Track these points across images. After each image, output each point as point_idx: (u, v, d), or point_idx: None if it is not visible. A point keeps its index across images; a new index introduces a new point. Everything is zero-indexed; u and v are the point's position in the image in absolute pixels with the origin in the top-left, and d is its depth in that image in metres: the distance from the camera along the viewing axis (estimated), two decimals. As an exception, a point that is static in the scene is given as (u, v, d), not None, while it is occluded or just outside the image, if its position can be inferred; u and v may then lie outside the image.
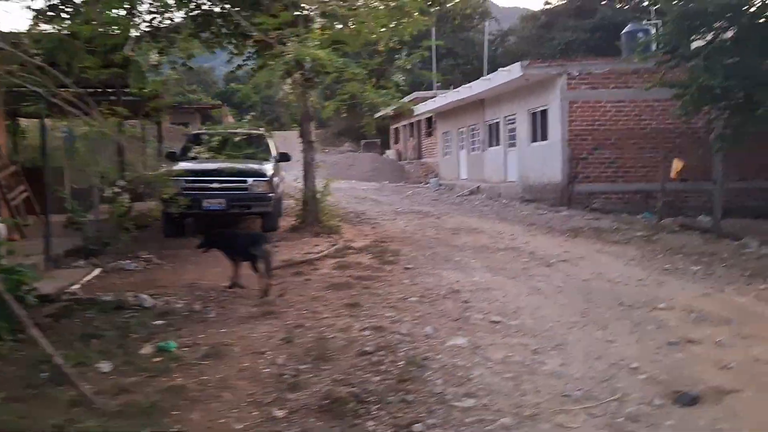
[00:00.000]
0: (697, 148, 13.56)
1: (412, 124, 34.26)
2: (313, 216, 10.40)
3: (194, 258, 8.37)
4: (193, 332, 5.02)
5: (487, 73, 23.73)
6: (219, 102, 29.68)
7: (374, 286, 6.59)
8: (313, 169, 10.70)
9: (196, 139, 11.68)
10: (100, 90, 11.25)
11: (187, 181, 9.66)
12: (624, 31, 19.73)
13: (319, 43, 7.67)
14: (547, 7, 45.76)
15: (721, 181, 11.88)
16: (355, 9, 8.57)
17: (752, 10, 10.47)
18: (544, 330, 5.07)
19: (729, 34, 10.88)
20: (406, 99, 31.08)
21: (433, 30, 26.38)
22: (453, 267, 7.70)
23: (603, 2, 42.00)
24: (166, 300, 5.97)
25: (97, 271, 7.36)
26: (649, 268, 7.73)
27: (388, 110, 8.80)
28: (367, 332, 4.90)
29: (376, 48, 9.82)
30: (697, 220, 12.69)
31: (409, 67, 8.53)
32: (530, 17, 48.47)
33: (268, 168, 10.44)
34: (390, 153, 36.94)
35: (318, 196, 10.75)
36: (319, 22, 8.92)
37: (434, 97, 27.24)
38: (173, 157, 11.09)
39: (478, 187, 21.02)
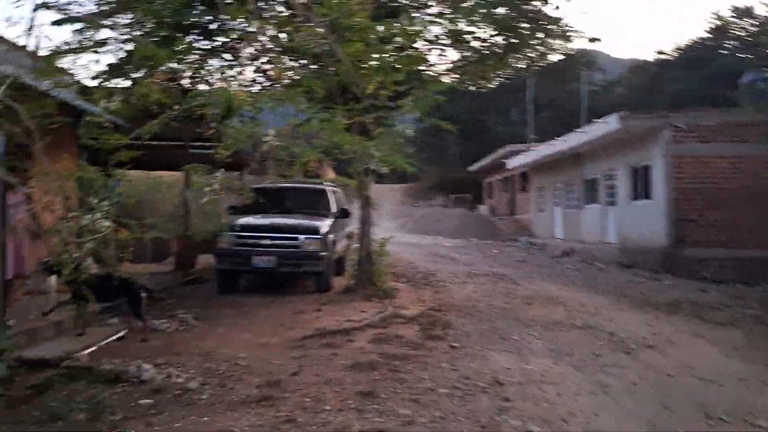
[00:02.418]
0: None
1: (506, 179, 33.05)
2: (366, 277, 9.64)
3: (230, 320, 7.89)
4: (171, 419, 4.34)
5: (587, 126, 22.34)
6: (319, 155, 30.17)
7: (404, 368, 5.65)
8: (369, 227, 9.99)
9: (260, 193, 11.40)
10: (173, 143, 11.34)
11: (238, 237, 9.28)
12: (741, 79, 17.85)
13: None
14: (661, 57, 43.47)
15: None
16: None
17: None
18: (594, 451, 3.92)
19: None
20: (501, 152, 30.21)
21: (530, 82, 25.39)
22: (508, 348, 6.59)
23: (721, 51, 39.23)
24: (169, 372, 5.36)
25: (124, 331, 6.96)
26: (756, 361, 6.23)
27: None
28: (365, 437, 3.99)
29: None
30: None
31: (417, 115, 7.50)
32: (640, 67, 46.35)
33: (323, 225, 9.88)
34: (483, 208, 35.74)
35: (373, 255, 9.96)
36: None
37: (527, 150, 26.08)
38: (234, 211, 10.83)
39: (571, 248, 19.42)
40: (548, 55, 13.10)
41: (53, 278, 6.80)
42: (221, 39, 9.92)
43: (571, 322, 8.11)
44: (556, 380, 5.43)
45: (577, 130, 20.04)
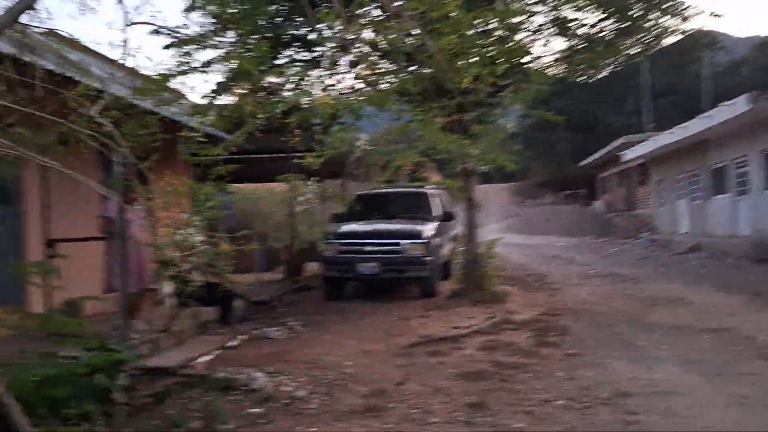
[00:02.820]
0: None
1: (622, 172, 31.23)
2: (473, 281, 9.35)
3: (337, 327, 7.93)
4: (280, 428, 4.36)
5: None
6: (422, 158, 30.17)
7: (516, 378, 5.36)
8: (474, 229, 9.70)
9: (363, 200, 11.47)
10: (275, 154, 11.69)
11: (341, 244, 9.35)
12: None
13: None
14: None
15: None
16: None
17: None
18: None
19: None
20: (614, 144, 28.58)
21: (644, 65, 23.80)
22: (631, 355, 6.08)
23: None
24: (279, 381, 5.42)
25: (237, 340, 7.17)
26: None
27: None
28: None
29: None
30: None
31: (521, 110, 6.99)
32: (765, 44, 42.31)
33: (426, 229, 9.72)
34: (597, 205, 33.98)
35: (480, 258, 9.64)
36: None
37: (645, 141, 24.47)
38: (338, 218, 10.95)
39: (698, 243, 17.93)
40: (664, 38, 12.16)
41: (168, 290, 7.16)
42: (320, 49, 10.07)
43: (700, 326, 7.40)
44: (685, 391, 4.91)
45: (701, 115, 18.51)
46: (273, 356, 6.36)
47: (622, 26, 10.13)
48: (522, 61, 9.83)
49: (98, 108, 4.83)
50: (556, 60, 12.98)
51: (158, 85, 7.51)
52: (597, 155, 32.95)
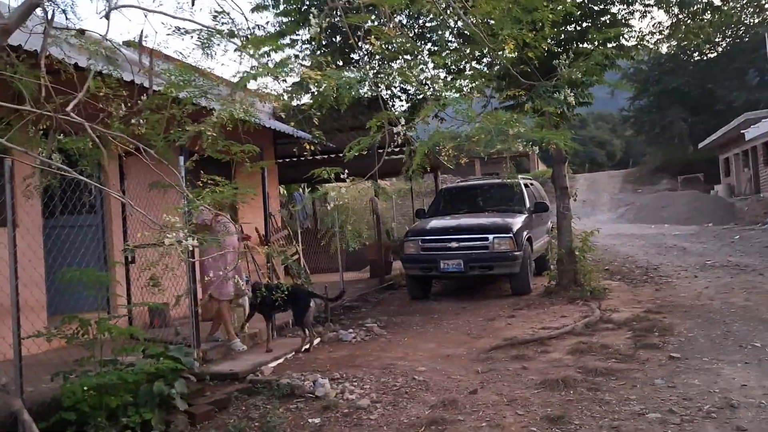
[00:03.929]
0: None
1: (746, 152, 28.39)
2: (569, 277, 8.61)
3: (416, 328, 7.58)
4: (334, 442, 4.07)
5: None
6: (526, 150, 29.15)
7: (607, 387, 4.72)
8: (568, 221, 8.93)
9: (448, 194, 11.00)
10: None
11: (423, 241, 8.96)
12: None
13: None
14: None
15: None
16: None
17: None
18: None
19: None
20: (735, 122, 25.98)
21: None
22: (745, 359, 5.22)
23: None
24: (343, 388, 5.14)
25: (310, 343, 6.96)
26: None
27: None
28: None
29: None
30: None
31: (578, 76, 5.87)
32: None
33: (516, 222, 9.10)
34: (719, 189, 31.12)
35: (577, 252, 8.87)
36: None
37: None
38: (421, 215, 10.56)
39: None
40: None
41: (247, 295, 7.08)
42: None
43: (837, 323, 6.30)
44: (816, 404, 4.07)
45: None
46: (345, 360, 6.12)
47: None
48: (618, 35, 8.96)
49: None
50: (659, 32, 11.82)
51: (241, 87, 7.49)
52: (717, 135, 30.25)
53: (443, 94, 7.92)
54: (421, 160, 4.82)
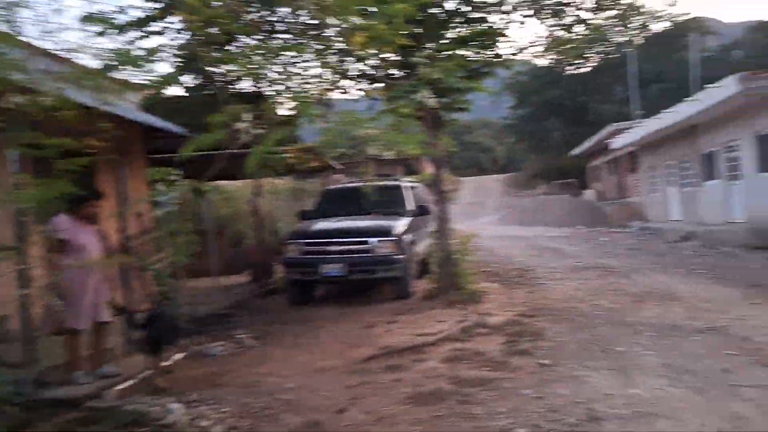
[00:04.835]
0: None
1: (612, 161, 30.55)
2: (448, 281, 8.59)
3: (292, 339, 7.18)
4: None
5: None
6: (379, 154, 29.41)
7: (476, 399, 4.61)
8: (447, 225, 8.93)
9: (331, 195, 10.69)
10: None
11: (303, 244, 8.60)
12: None
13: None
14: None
15: None
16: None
17: None
18: None
19: None
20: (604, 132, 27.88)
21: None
22: (610, 364, 5.33)
23: None
24: (199, 413, 4.65)
25: (172, 359, 6.34)
26: None
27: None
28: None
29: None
30: None
31: (438, 76, 5.92)
32: (760, 26, 41.62)
33: (398, 225, 8.96)
34: (588, 194, 33.31)
35: (455, 255, 8.88)
36: None
37: (633, 128, 23.81)
38: (304, 216, 10.18)
39: (691, 231, 17.23)
40: (651, 25, 11.43)
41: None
42: (283, 36, 9.26)
43: (692, 325, 6.67)
44: (672, 411, 4.16)
45: (690, 98, 17.79)
46: (206, 379, 5.62)
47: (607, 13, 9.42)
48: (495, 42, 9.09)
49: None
50: (537, 46, 12.24)
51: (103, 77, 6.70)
52: (587, 144, 32.37)
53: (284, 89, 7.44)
54: (259, 161, 4.47)
